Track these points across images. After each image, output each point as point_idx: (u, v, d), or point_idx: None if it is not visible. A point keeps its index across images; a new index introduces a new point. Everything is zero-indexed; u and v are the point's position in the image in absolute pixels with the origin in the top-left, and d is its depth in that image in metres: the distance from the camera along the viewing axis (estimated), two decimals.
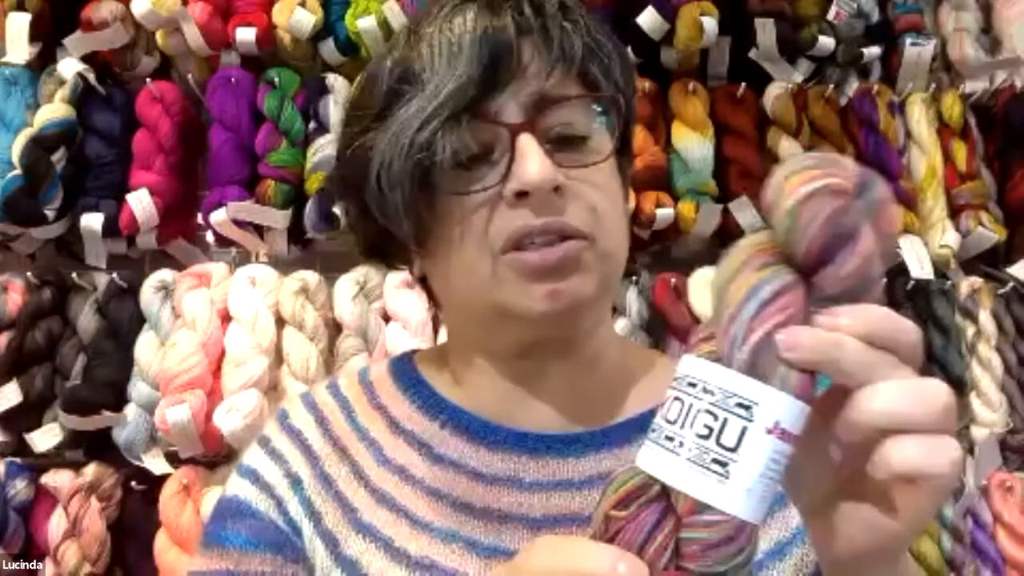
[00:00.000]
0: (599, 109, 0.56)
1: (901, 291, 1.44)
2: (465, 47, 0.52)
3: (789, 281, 0.35)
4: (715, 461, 0.34)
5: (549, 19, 0.54)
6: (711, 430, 0.34)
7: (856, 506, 0.38)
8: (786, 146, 1.46)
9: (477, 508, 0.58)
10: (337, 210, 1.36)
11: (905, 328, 0.37)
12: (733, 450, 0.34)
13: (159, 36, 1.44)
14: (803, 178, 0.35)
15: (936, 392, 0.35)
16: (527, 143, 0.52)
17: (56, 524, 1.29)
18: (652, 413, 0.59)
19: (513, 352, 0.59)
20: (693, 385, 0.35)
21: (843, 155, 1.48)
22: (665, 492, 0.35)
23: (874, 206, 0.36)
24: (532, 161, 0.51)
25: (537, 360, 0.59)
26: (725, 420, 0.34)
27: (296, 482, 0.61)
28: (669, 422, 0.35)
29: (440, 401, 0.63)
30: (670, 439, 0.35)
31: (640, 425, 0.59)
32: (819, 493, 0.40)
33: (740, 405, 0.34)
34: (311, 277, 1.36)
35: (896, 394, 0.35)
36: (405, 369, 0.66)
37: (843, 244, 0.34)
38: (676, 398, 0.36)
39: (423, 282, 0.64)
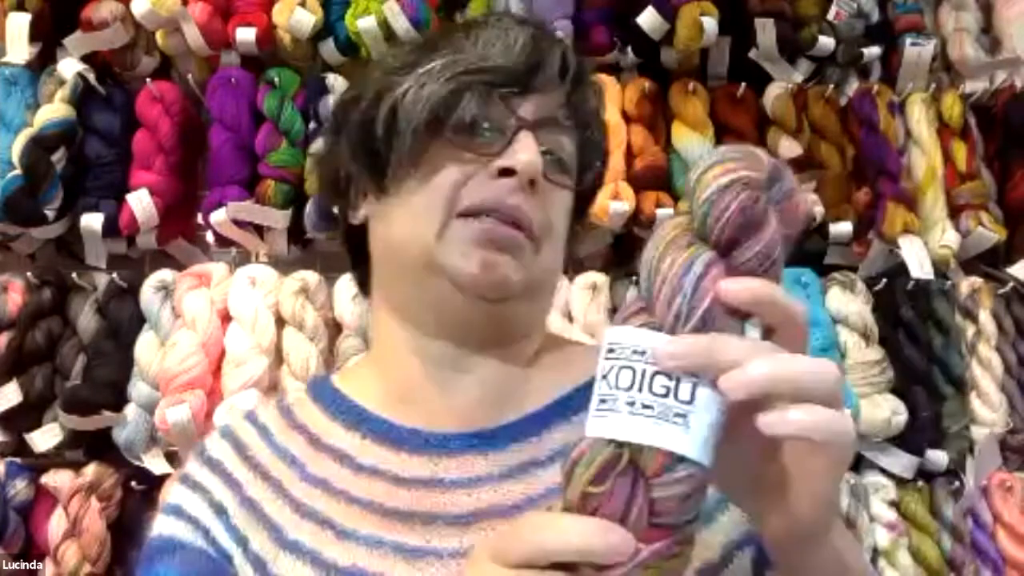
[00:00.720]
0: (581, 159, 0.63)
1: (901, 291, 1.44)
2: (520, 46, 0.59)
3: (713, 257, 0.39)
4: (677, 415, 0.37)
5: (583, 75, 0.63)
6: (668, 389, 0.37)
7: (765, 491, 0.42)
8: (786, 146, 1.46)
9: (402, 511, 0.59)
10: (337, 210, 1.36)
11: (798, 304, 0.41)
12: (690, 403, 0.37)
13: (159, 36, 1.44)
14: (720, 170, 0.40)
15: (829, 367, 0.39)
16: (528, 137, 0.58)
17: (56, 524, 1.29)
18: (566, 398, 0.61)
19: (435, 329, 0.61)
20: (641, 353, 0.38)
21: (842, 153, 1.49)
22: (631, 459, 0.38)
23: (781, 197, 0.41)
24: (529, 149, 0.57)
25: (458, 346, 0.61)
26: (678, 379, 0.37)
27: (220, 510, 0.61)
28: (623, 389, 0.38)
29: (360, 412, 0.64)
30: (630, 403, 0.38)
31: (555, 412, 0.62)
32: (740, 481, 0.44)
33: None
34: (311, 277, 1.36)
35: (795, 363, 0.39)
36: (322, 388, 0.68)
37: (751, 230, 0.39)
38: (624, 367, 0.38)
39: (351, 235, 0.67)
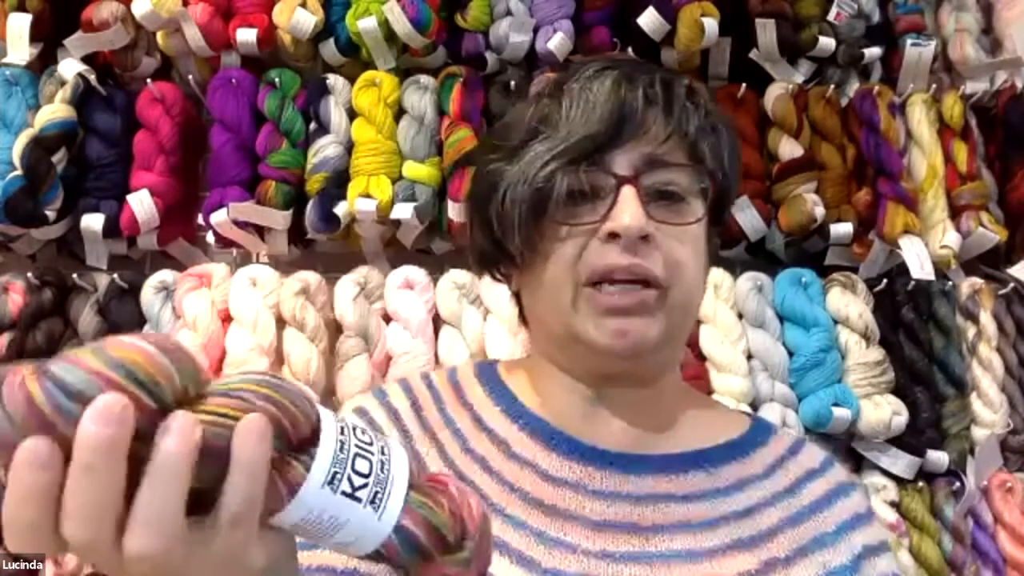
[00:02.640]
0: (699, 178, 0.65)
1: (902, 292, 1.44)
2: (599, 106, 0.63)
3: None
4: None
5: (675, 97, 0.65)
6: None
7: None
8: (787, 146, 1.46)
9: (545, 504, 0.65)
10: (338, 211, 1.36)
11: None
12: None
13: (160, 37, 1.44)
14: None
15: None
16: (628, 193, 0.61)
17: None
18: (707, 451, 0.69)
19: (586, 376, 0.67)
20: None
21: (843, 153, 1.48)
22: None
23: None
24: (628, 208, 0.61)
25: (608, 388, 0.67)
26: None
27: None
28: None
29: (520, 408, 0.70)
30: None
31: (694, 460, 0.68)
32: None
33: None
34: (312, 278, 1.36)
35: None
36: (490, 375, 0.74)
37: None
38: None
39: (517, 297, 0.74)
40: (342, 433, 0.40)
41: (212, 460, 0.36)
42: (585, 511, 0.64)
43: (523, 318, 0.75)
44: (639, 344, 0.62)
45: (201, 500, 0.37)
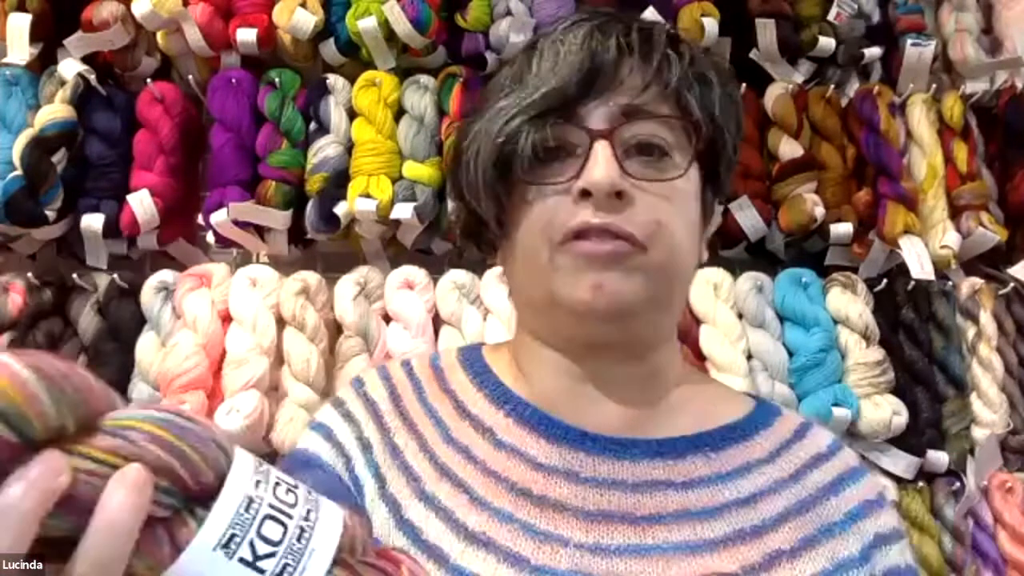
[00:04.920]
0: (684, 130, 0.61)
1: (902, 291, 1.44)
2: (570, 57, 0.59)
3: None
4: None
5: (653, 45, 0.60)
6: None
7: None
8: (787, 147, 1.46)
9: (534, 495, 0.60)
10: (338, 211, 1.36)
11: None
12: None
13: (160, 37, 1.44)
14: None
15: None
16: (602, 148, 0.57)
17: None
18: (707, 434, 0.64)
19: (572, 349, 0.63)
20: None
21: (843, 153, 1.48)
22: None
23: None
24: (600, 165, 0.57)
25: (596, 361, 0.63)
26: None
27: (366, 446, 0.65)
28: None
29: (505, 392, 0.66)
30: None
31: (693, 443, 0.64)
32: None
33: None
34: (312, 278, 1.36)
35: None
36: (474, 359, 0.70)
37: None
38: None
39: (504, 270, 0.69)
40: (257, 487, 0.35)
41: (75, 511, 0.31)
42: (577, 501, 0.60)
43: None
44: (616, 298, 0.57)
45: (65, 548, 0.32)
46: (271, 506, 0.35)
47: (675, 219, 0.59)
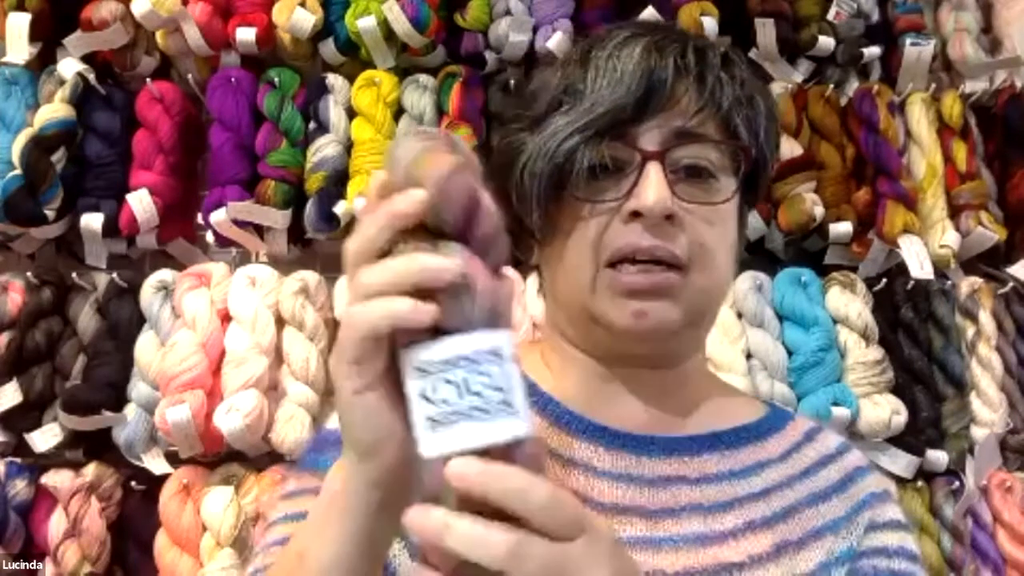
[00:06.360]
0: (732, 154, 0.62)
1: (901, 291, 1.44)
2: (626, 76, 0.59)
3: (467, 255, 0.41)
4: (503, 403, 0.39)
5: (708, 67, 0.61)
6: (486, 384, 0.39)
7: None
8: (786, 146, 1.46)
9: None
10: (337, 210, 1.36)
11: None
12: (509, 389, 0.40)
13: (159, 36, 1.44)
14: (439, 159, 0.41)
15: (564, 502, 0.41)
16: (653, 170, 0.58)
17: (56, 524, 1.29)
18: (722, 434, 0.65)
19: (605, 357, 0.65)
20: (452, 364, 0.39)
21: (842, 153, 1.49)
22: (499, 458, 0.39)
23: (478, 172, 0.43)
24: (652, 187, 0.58)
25: (626, 368, 0.64)
26: (490, 372, 0.39)
27: None
28: (449, 403, 0.39)
29: (530, 387, 0.67)
30: (460, 413, 0.39)
31: (709, 442, 0.65)
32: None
33: (492, 353, 0.40)
34: (311, 277, 1.36)
35: (514, 478, 0.40)
36: None
37: (478, 209, 0.41)
38: (446, 381, 0.39)
39: (538, 269, 0.70)
40: None
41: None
42: (593, 493, 0.61)
43: (542, 287, 0.72)
44: (658, 327, 0.59)
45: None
46: None
47: (718, 241, 0.61)
